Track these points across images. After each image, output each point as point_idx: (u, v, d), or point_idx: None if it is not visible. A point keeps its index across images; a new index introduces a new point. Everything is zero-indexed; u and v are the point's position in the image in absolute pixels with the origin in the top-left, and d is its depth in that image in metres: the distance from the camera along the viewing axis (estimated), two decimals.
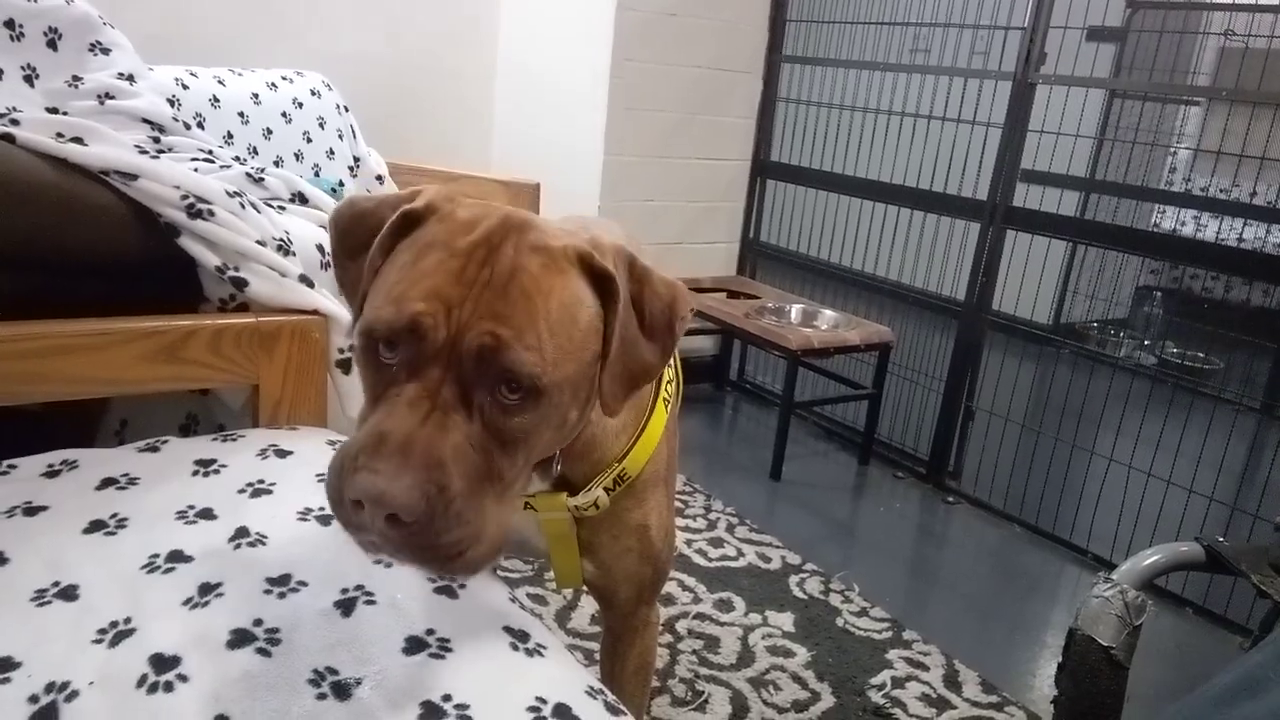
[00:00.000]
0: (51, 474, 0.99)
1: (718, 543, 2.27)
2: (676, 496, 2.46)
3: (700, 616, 1.94)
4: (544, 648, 0.85)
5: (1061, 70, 2.58)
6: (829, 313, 2.96)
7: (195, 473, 1.02)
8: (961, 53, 2.97)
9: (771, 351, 2.83)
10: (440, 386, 0.65)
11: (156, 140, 1.48)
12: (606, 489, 0.95)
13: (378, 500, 0.61)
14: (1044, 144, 2.71)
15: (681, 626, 1.90)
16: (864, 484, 2.82)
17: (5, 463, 0.98)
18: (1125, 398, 2.45)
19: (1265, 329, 4.07)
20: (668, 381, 1.01)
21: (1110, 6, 3.60)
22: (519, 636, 0.85)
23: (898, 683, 1.80)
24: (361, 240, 0.76)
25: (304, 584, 0.86)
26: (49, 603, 0.79)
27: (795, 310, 2.99)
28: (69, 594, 0.80)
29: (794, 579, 2.14)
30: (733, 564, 2.17)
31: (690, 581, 2.08)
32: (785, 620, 1.97)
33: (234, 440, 1.12)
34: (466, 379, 0.65)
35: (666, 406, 1.00)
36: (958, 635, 2.01)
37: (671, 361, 1.02)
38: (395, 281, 0.69)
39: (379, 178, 2.85)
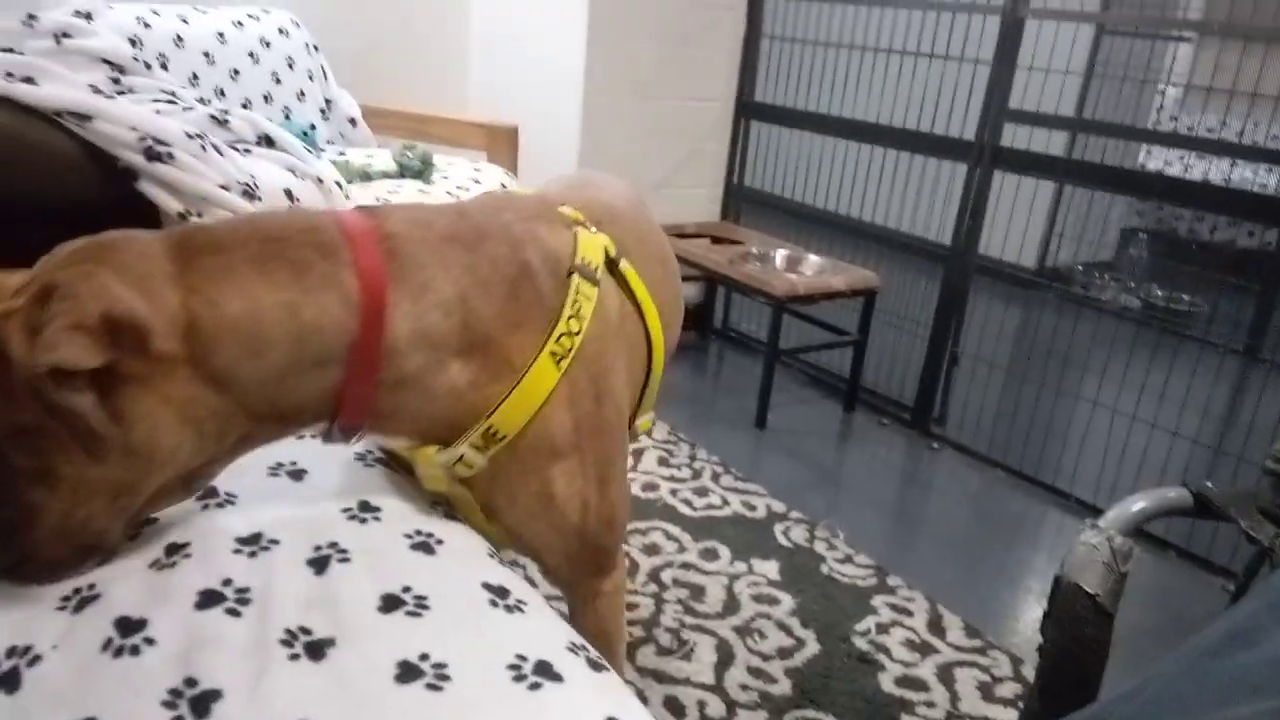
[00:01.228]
0: None
1: (702, 491, 2.26)
2: (661, 446, 2.46)
3: (685, 566, 1.94)
4: (524, 604, 0.83)
5: (1051, 5, 2.52)
6: (814, 258, 2.93)
7: None
8: None
9: (756, 298, 2.79)
10: None
11: (116, 81, 1.41)
12: (476, 447, 0.90)
13: None
14: (1032, 82, 2.66)
15: (667, 576, 1.90)
16: (849, 431, 2.82)
17: None
18: (1110, 341, 2.44)
19: (1250, 271, 4.07)
20: (560, 335, 0.91)
21: None
22: (498, 592, 0.83)
23: (882, 628, 1.80)
24: None
25: (275, 542, 0.83)
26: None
27: (780, 256, 2.95)
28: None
29: (779, 527, 2.14)
30: (717, 513, 2.17)
31: (675, 531, 2.07)
32: (770, 568, 1.96)
33: None
34: None
35: (558, 363, 0.91)
36: (942, 581, 2.01)
37: (575, 312, 0.92)
38: None
39: (351, 120, 2.78)
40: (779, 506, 2.23)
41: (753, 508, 2.21)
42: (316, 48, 2.70)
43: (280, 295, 0.76)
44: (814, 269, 2.88)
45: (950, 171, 2.74)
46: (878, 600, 1.89)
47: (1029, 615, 1.93)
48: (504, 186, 2.43)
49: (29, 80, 1.13)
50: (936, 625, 1.83)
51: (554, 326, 0.91)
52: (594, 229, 1.02)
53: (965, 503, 2.46)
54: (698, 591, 1.85)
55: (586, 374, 0.94)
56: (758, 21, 3.17)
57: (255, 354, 0.76)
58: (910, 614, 1.86)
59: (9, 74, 1.13)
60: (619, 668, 1.00)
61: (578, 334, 0.92)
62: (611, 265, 1.02)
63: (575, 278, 0.93)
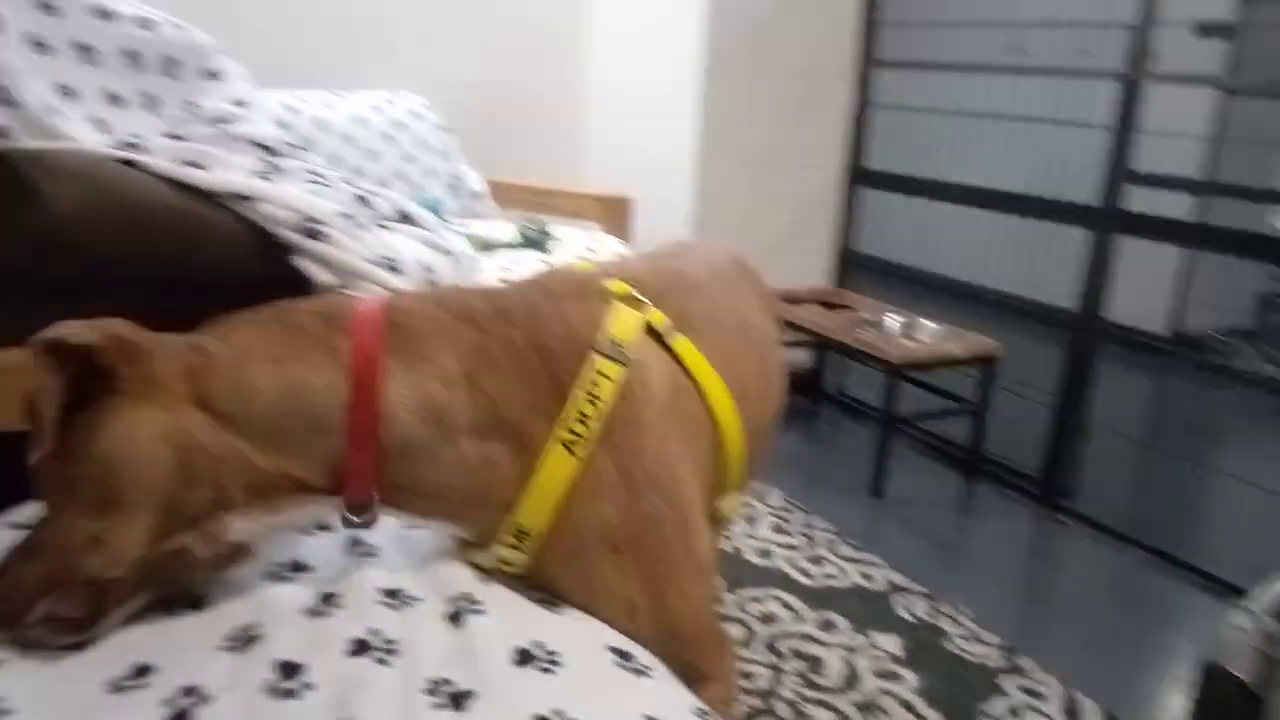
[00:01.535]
0: None
1: (818, 560, 2.22)
2: (776, 513, 2.43)
3: (804, 636, 1.90)
4: (649, 668, 0.84)
5: (1171, 67, 2.46)
6: (930, 324, 2.88)
7: None
8: (1060, 51, 2.87)
9: (870, 365, 2.76)
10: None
11: (269, 163, 1.53)
12: (510, 546, 0.87)
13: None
14: (1155, 145, 2.59)
15: (784, 646, 1.86)
16: (970, 502, 2.73)
17: None
18: (1251, 413, 2.32)
19: None
20: (572, 420, 0.85)
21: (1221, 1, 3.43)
22: (623, 655, 0.84)
23: (1014, 712, 1.72)
24: None
25: (416, 598, 0.87)
26: (180, 612, 0.82)
27: (894, 322, 2.92)
28: (197, 603, 0.83)
29: (899, 599, 2.08)
30: (835, 583, 2.12)
31: (791, 600, 2.04)
32: (891, 643, 1.91)
33: None
34: None
35: (571, 450, 0.85)
36: (1076, 663, 1.91)
37: (590, 394, 0.86)
38: None
39: (476, 195, 2.91)
40: (899, 578, 2.17)
41: (871, 579, 2.16)
42: (445, 129, 2.85)
43: (269, 348, 0.81)
44: (930, 335, 2.83)
45: (1071, 236, 2.68)
46: (1007, 682, 1.81)
47: (1172, 704, 1.81)
48: (589, 254, 2.49)
49: (199, 165, 1.24)
50: (1072, 711, 1.74)
51: (564, 411, 0.86)
52: (646, 302, 0.97)
53: (1099, 581, 2.34)
54: (816, 663, 1.81)
55: (616, 463, 0.87)
56: (868, 91, 3.20)
57: (243, 398, 0.79)
58: (1043, 698, 1.77)
59: (181, 159, 1.24)
60: None
61: (593, 418, 0.86)
62: (662, 341, 0.96)
63: (594, 357, 0.88)
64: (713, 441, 1.00)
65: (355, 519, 0.84)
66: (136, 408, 0.77)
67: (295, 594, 0.86)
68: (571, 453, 0.85)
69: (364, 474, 0.82)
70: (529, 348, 0.87)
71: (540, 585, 0.91)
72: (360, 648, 0.79)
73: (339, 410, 0.81)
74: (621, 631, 0.88)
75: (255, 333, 0.83)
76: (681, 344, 0.98)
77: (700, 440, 0.98)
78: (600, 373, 0.87)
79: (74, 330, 0.75)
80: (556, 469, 0.85)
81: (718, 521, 1.09)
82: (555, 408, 0.86)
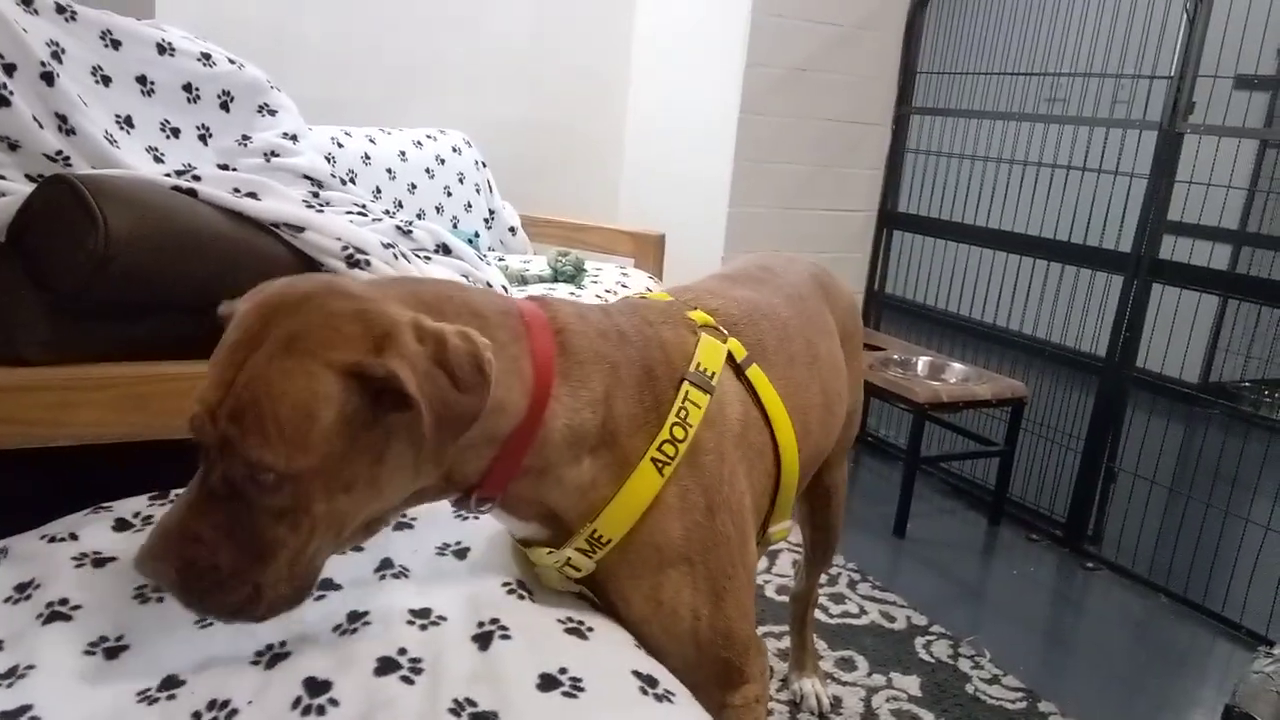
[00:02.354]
0: None
1: (839, 599, 2.23)
2: (796, 550, 2.42)
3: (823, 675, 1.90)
4: (672, 694, 0.85)
5: (1210, 119, 2.48)
6: (958, 366, 2.89)
7: None
8: (1097, 101, 2.89)
9: (897, 405, 2.77)
10: (208, 476, 0.74)
11: (316, 195, 1.59)
12: (582, 550, 0.92)
13: (151, 580, 0.77)
14: (1192, 195, 2.60)
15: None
16: (995, 545, 2.72)
17: (173, 492, 1.05)
18: None
19: None
20: (663, 441, 0.91)
21: (1262, 55, 3.44)
22: (647, 681, 0.85)
23: None
24: None
25: (443, 618, 0.89)
26: (209, 624, 0.84)
27: (922, 363, 2.93)
28: None
29: (920, 640, 2.08)
30: (855, 621, 2.12)
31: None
32: (911, 684, 1.90)
33: None
34: (230, 469, 0.73)
35: (660, 469, 0.91)
36: (1097, 709, 1.90)
37: (681, 419, 0.92)
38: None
39: (511, 229, 2.97)
40: (919, 619, 2.17)
41: (892, 619, 2.16)
42: (484, 164, 2.92)
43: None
44: (958, 377, 2.84)
45: (1104, 283, 2.68)
46: None
47: None
48: (649, 290, 2.53)
49: (253, 195, 1.29)
50: None
51: (660, 432, 0.91)
52: (724, 332, 1.03)
53: (1124, 627, 2.32)
54: (835, 702, 1.81)
55: (699, 484, 0.94)
56: (902, 137, 3.24)
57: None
58: None
59: (236, 189, 1.30)
60: None
61: (683, 441, 0.92)
62: (739, 371, 1.02)
63: (686, 384, 0.94)
64: (772, 470, 1.06)
65: (473, 514, 0.91)
66: (405, 437, 0.77)
67: (325, 612, 0.88)
68: (660, 472, 0.91)
69: (500, 483, 0.86)
70: (642, 370, 0.93)
71: (599, 589, 0.96)
72: (387, 666, 0.81)
73: (510, 430, 0.85)
74: (685, 632, 0.94)
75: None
76: (756, 374, 1.04)
77: (760, 468, 1.04)
78: (691, 400, 0.93)
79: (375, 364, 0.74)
80: (644, 485, 0.90)
81: (767, 544, 1.16)
82: (653, 429, 0.92)
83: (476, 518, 0.98)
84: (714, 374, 0.97)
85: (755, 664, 1.03)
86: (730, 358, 1.02)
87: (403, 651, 0.83)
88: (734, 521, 0.97)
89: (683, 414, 0.92)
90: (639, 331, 0.96)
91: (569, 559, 0.93)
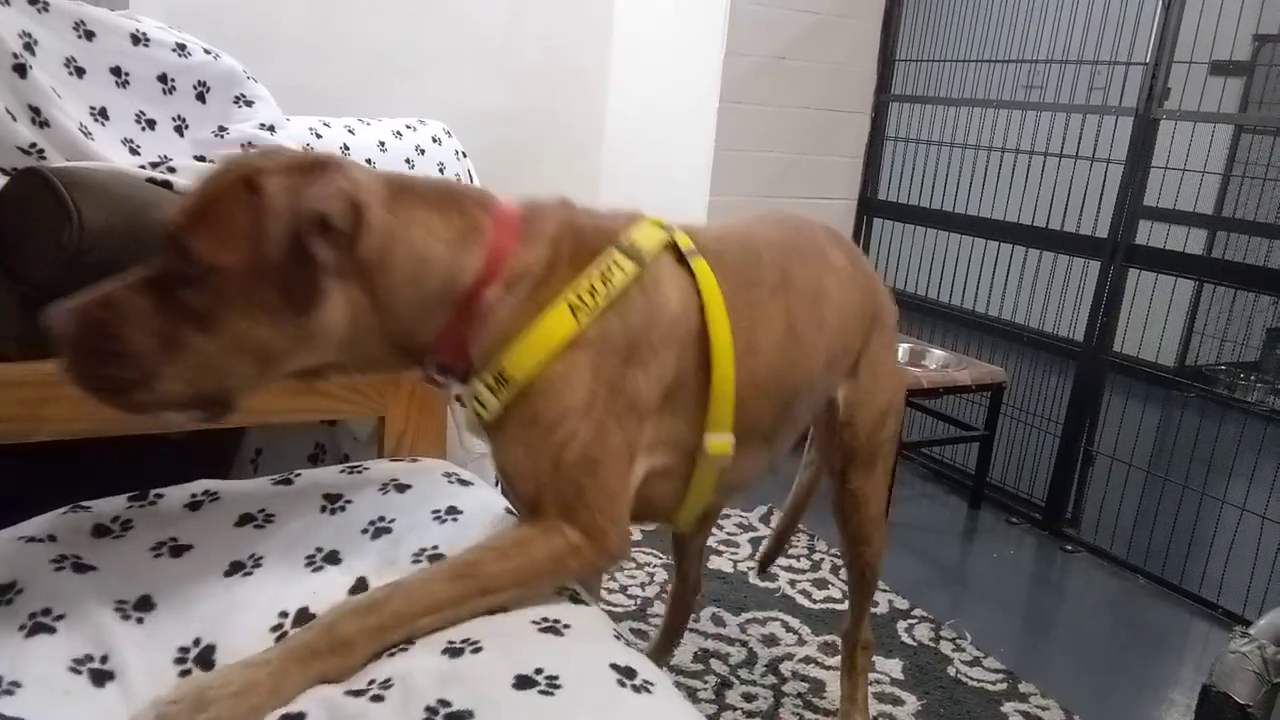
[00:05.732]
0: (194, 506, 1.02)
1: (822, 584, 2.24)
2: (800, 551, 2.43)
3: (805, 660, 1.92)
4: (651, 684, 0.85)
5: (1185, 105, 2.50)
6: (938, 352, 2.91)
7: (323, 509, 1.04)
8: (1074, 87, 2.91)
9: None
10: (153, 266, 0.83)
11: None
12: (488, 386, 0.95)
13: (52, 324, 0.79)
14: (1168, 180, 2.62)
15: (785, 669, 1.88)
16: (975, 529, 2.74)
17: (153, 492, 1.04)
18: (1259, 444, 2.33)
19: None
20: (582, 291, 0.97)
21: (1236, 41, 3.47)
22: (625, 673, 0.84)
23: None
24: None
25: (412, 642, 0.86)
26: (190, 665, 0.84)
27: (903, 349, 2.95)
28: (205, 658, 0.84)
29: (902, 624, 2.10)
30: (838, 606, 2.14)
31: (794, 623, 2.06)
32: (893, 667, 1.92)
33: (359, 473, 1.14)
34: (170, 260, 0.82)
35: (575, 314, 0.95)
36: (1078, 690, 1.92)
37: (594, 272, 0.98)
38: None
39: None
40: (901, 603, 2.19)
41: (874, 603, 2.17)
42: (464, 154, 2.90)
43: (449, 236, 0.94)
44: (938, 363, 2.86)
45: (1081, 268, 2.70)
46: (1008, 707, 1.82)
47: None
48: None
49: None
50: None
51: (578, 280, 0.98)
52: (678, 231, 1.11)
53: (1102, 608, 2.35)
54: (818, 686, 1.83)
55: (617, 358, 0.98)
56: (882, 124, 3.24)
57: (416, 281, 0.91)
58: None
59: None
60: (492, 587, 0.89)
61: (600, 296, 0.97)
62: (683, 260, 1.07)
63: (612, 249, 1.01)
64: (700, 363, 1.06)
65: (439, 379, 0.99)
66: (344, 287, 0.88)
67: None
68: (575, 317, 0.96)
69: (458, 343, 0.96)
70: (578, 242, 1.02)
71: (496, 443, 1.00)
72: (356, 693, 0.79)
73: (467, 284, 0.94)
74: (554, 444, 0.95)
75: (437, 216, 0.95)
76: (701, 267, 1.08)
77: (688, 355, 1.05)
78: (616, 263, 1.00)
79: (371, 203, 0.88)
80: (555, 326, 0.95)
81: (709, 466, 1.10)
82: (571, 281, 0.98)
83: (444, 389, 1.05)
84: (646, 251, 1.03)
85: (605, 529, 0.97)
86: (676, 248, 1.08)
87: (372, 682, 0.80)
88: (629, 404, 0.99)
89: (607, 272, 0.98)
90: (588, 216, 1.07)
91: (476, 394, 0.97)
